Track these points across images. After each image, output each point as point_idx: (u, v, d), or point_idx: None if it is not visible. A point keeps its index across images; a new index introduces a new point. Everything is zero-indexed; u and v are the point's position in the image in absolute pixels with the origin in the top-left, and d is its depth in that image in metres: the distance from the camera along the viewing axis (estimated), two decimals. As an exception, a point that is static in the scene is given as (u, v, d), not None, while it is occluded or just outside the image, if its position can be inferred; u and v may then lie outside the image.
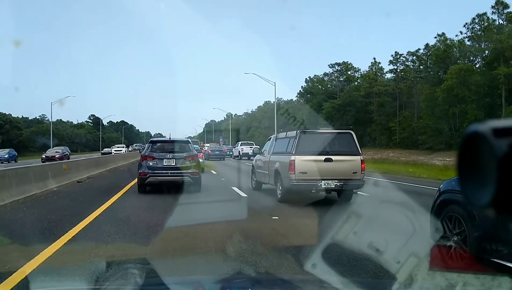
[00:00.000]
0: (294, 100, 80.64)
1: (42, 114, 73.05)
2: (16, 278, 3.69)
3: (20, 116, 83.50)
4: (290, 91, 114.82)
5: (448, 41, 46.28)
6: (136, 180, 11.31)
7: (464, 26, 45.07)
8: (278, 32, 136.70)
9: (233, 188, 11.76)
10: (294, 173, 9.05)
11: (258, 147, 12.80)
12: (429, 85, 43.06)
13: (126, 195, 10.43)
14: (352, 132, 9.62)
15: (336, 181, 9.13)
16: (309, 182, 9.06)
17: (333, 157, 9.13)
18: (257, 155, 12.63)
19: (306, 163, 9.12)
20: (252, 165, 12.71)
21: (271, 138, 11.76)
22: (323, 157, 9.16)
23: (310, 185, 9.05)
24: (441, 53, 43.88)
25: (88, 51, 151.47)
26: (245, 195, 10.46)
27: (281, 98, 79.41)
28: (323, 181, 9.09)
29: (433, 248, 3.43)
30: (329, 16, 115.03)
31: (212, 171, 19.30)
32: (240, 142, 40.87)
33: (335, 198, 9.90)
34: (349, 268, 3.98)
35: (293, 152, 9.20)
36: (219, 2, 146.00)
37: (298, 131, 9.37)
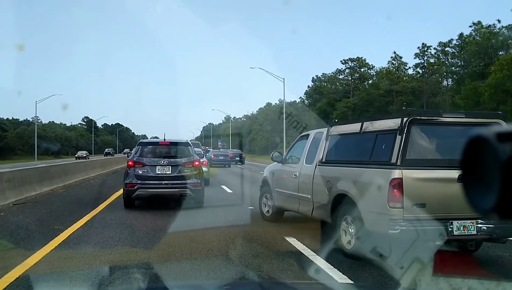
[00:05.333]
0: (297, 101, 78.33)
1: (35, 116, 71.85)
2: None
3: (11, 118, 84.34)
4: (292, 93, 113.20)
5: (489, 29, 42.07)
6: (98, 209, 9.08)
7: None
8: (280, 33, 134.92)
9: (287, 238, 6.42)
10: (402, 206, 4.71)
11: (279, 152, 8.26)
12: (469, 80, 38.81)
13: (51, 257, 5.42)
14: (504, 123, 5.24)
15: (481, 221, 4.81)
16: (430, 224, 4.70)
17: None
18: (275, 163, 8.11)
19: (425, 185, 4.81)
20: (265, 179, 8.29)
21: (309, 134, 7.29)
22: (455, 173, 4.82)
23: (431, 230, 4.70)
24: (484, 41, 39.56)
25: (85, 53, 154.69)
26: (342, 278, 4.35)
27: (284, 100, 76.70)
28: (455, 223, 4.78)
29: (437, 253, 3.15)
30: (329, 16, 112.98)
31: (224, 187, 14.28)
32: None
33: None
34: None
35: (397, 162, 4.84)
36: (219, 5, 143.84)
37: (405, 120, 4.94)
